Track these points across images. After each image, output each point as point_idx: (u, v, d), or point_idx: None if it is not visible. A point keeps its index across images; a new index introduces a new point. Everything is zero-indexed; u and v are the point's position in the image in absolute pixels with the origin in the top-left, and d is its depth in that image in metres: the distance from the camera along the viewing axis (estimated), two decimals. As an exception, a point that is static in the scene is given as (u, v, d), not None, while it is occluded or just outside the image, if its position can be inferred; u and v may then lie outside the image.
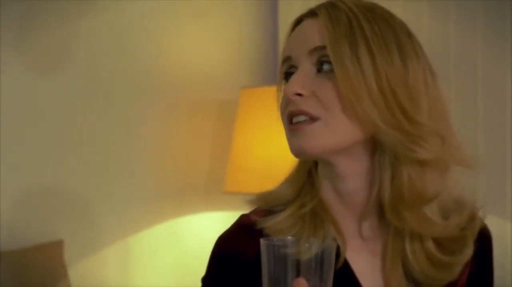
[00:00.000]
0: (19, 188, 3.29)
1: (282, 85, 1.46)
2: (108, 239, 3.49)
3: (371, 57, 1.36)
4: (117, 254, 3.52)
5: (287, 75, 1.44)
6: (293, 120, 1.39)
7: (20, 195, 3.29)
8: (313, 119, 1.37)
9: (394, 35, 1.39)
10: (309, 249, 1.24)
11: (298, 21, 1.45)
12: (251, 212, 1.49)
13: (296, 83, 1.38)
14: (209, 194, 3.68)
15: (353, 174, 1.43)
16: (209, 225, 3.65)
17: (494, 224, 3.42)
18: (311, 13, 1.43)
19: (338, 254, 1.37)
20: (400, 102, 1.36)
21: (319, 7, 1.41)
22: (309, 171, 1.47)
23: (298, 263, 1.23)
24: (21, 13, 3.27)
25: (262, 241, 1.25)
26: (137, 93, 3.56)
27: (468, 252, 1.48)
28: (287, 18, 3.68)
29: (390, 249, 1.44)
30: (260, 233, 1.40)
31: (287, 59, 1.43)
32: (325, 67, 1.38)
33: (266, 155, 3.26)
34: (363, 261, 1.45)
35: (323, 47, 1.38)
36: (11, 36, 3.26)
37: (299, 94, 1.37)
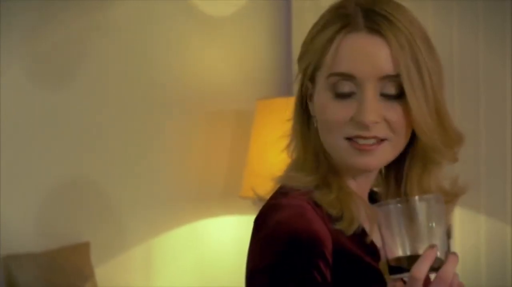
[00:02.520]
0: (48, 193, 3.29)
1: (326, 93, 1.39)
2: (132, 241, 3.49)
3: (431, 81, 1.37)
4: (140, 255, 3.52)
5: (335, 87, 1.38)
6: (359, 141, 1.38)
7: (49, 200, 3.29)
8: (381, 140, 1.38)
9: (432, 46, 1.40)
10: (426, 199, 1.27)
11: (340, 29, 1.38)
12: (290, 197, 1.40)
13: (374, 111, 1.36)
14: (226, 199, 3.68)
15: (375, 172, 1.48)
16: (226, 228, 3.64)
17: (494, 227, 3.45)
18: (369, 28, 1.37)
19: (366, 233, 1.40)
20: (449, 119, 1.40)
21: (379, 24, 1.36)
22: (329, 162, 1.45)
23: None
24: (34, 23, 3.30)
25: (393, 204, 1.26)
26: (160, 104, 3.56)
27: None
28: (300, 31, 3.67)
29: None
30: (317, 213, 1.37)
31: (346, 76, 1.37)
32: (390, 91, 1.37)
33: (280, 162, 3.26)
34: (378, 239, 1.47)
35: (395, 76, 1.36)
36: (30, 45, 3.30)
37: (376, 122, 1.37)
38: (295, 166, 1.47)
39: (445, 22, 3.44)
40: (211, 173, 3.67)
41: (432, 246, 1.24)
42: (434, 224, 1.26)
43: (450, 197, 1.48)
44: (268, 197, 1.45)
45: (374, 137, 1.37)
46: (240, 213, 3.64)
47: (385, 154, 1.40)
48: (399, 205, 1.26)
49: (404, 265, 1.25)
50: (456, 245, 3.44)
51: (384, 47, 1.36)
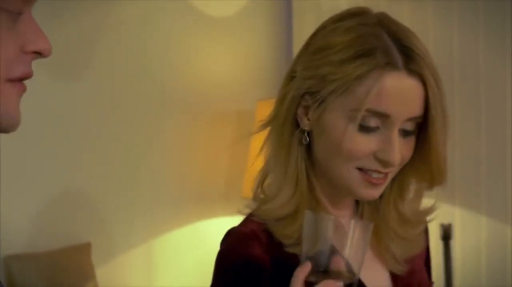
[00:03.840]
0: (50, 193, 3.29)
1: (349, 122, 1.36)
2: (133, 242, 3.48)
3: (448, 121, 1.38)
4: (142, 256, 3.51)
5: (362, 119, 1.35)
6: (373, 175, 1.37)
7: (51, 200, 3.29)
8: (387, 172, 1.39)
9: None
10: (350, 222, 1.27)
11: (380, 66, 1.34)
12: (242, 224, 1.45)
13: (399, 152, 1.36)
14: (228, 199, 3.67)
15: None
16: (227, 229, 3.63)
17: (494, 227, 3.44)
18: (408, 69, 1.34)
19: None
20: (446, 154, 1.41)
21: (418, 65, 1.34)
22: (310, 188, 1.43)
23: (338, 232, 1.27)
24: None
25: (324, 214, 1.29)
26: (161, 104, 3.56)
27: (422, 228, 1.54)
28: (301, 31, 3.66)
29: (375, 243, 1.48)
30: (261, 239, 1.40)
31: (382, 115, 1.35)
32: (409, 127, 1.37)
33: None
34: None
35: (419, 117, 1.36)
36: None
37: None
38: (271, 191, 1.44)
39: (445, 22, 3.43)
40: (212, 173, 3.67)
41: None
42: (354, 246, 1.27)
43: (423, 218, 1.50)
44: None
45: (387, 173, 1.39)
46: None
47: (386, 184, 1.41)
48: (324, 215, 1.29)
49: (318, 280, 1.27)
50: (457, 246, 3.43)
51: (421, 90, 1.35)
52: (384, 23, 1.38)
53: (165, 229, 3.55)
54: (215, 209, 3.65)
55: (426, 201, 1.51)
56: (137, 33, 3.50)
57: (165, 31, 3.57)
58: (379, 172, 1.37)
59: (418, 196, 1.48)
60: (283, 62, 3.84)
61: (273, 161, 1.44)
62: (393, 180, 1.43)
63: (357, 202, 1.50)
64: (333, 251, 1.26)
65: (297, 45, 3.72)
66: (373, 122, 1.35)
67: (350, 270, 1.26)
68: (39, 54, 1.04)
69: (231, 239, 1.44)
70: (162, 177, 3.55)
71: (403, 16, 1.44)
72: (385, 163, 1.36)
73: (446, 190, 1.49)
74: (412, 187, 1.47)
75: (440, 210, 1.52)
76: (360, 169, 1.37)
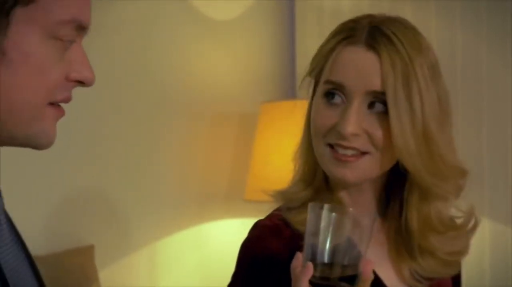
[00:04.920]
0: (52, 196, 3.27)
1: (320, 99, 1.43)
2: (136, 244, 3.47)
3: (421, 108, 1.37)
4: (144, 258, 3.50)
5: (328, 94, 1.41)
6: (339, 150, 1.39)
7: (53, 203, 3.28)
8: (361, 153, 1.39)
9: (438, 78, 1.40)
10: (352, 213, 1.26)
11: (343, 39, 1.41)
12: (267, 217, 1.51)
13: (354, 123, 1.37)
14: (230, 202, 3.66)
15: (370, 189, 1.48)
16: (230, 231, 3.62)
17: (497, 230, 3.42)
18: (368, 44, 1.39)
19: None
20: (445, 150, 1.40)
21: (378, 42, 1.38)
22: (325, 174, 1.47)
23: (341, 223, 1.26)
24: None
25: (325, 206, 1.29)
26: (164, 107, 3.55)
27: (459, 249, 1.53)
28: (303, 33, 3.66)
29: (394, 244, 1.49)
30: (282, 233, 1.44)
31: (337, 84, 1.40)
32: (378, 107, 1.39)
33: (284, 165, 3.23)
34: (375, 251, 1.45)
35: (382, 93, 1.37)
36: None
37: (355, 134, 1.38)
38: (296, 177, 1.51)
39: (447, 23, 3.43)
40: (214, 176, 3.66)
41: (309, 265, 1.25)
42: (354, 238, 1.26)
43: (458, 232, 1.50)
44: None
45: (354, 149, 1.39)
46: (244, 216, 3.62)
47: (365, 168, 1.40)
48: (328, 206, 1.27)
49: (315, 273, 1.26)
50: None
51: (376, 63, 1.38)
52: (381, 17, 1.43)
53: (167, 232, 3.54)
54: (217, 211, 3.64)
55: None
56: (137, 34, 3.49)
57: (166, 32, 3.56)
58: (343, 147, 1.38)
59: (442, 198, 1.47)
60: (286, 64, 3.83)
61: (299, 154, 1.52)
62: (412, 182, 1.44)
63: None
64: (336, 243, 1.25)
65: (300, 47, 3.72)
66: (337, 96, 1.40)
67: (353, 262, 1.25)
68: (81, 82, 1.10)
69: (254, 231, 1.50)
70: (164, 180, 3.54)
71: (406, 16, 1.44)
72: (340, 135, 1.38)
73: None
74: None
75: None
76: (330, 147, 1.41)
